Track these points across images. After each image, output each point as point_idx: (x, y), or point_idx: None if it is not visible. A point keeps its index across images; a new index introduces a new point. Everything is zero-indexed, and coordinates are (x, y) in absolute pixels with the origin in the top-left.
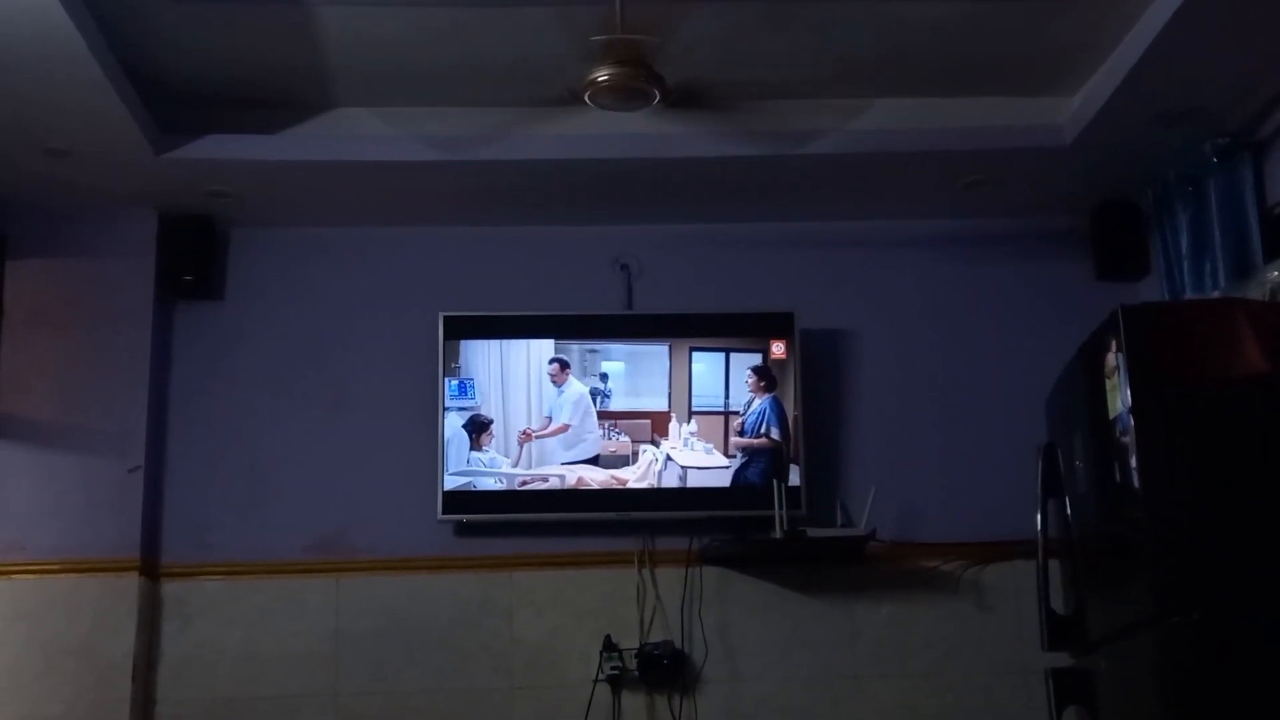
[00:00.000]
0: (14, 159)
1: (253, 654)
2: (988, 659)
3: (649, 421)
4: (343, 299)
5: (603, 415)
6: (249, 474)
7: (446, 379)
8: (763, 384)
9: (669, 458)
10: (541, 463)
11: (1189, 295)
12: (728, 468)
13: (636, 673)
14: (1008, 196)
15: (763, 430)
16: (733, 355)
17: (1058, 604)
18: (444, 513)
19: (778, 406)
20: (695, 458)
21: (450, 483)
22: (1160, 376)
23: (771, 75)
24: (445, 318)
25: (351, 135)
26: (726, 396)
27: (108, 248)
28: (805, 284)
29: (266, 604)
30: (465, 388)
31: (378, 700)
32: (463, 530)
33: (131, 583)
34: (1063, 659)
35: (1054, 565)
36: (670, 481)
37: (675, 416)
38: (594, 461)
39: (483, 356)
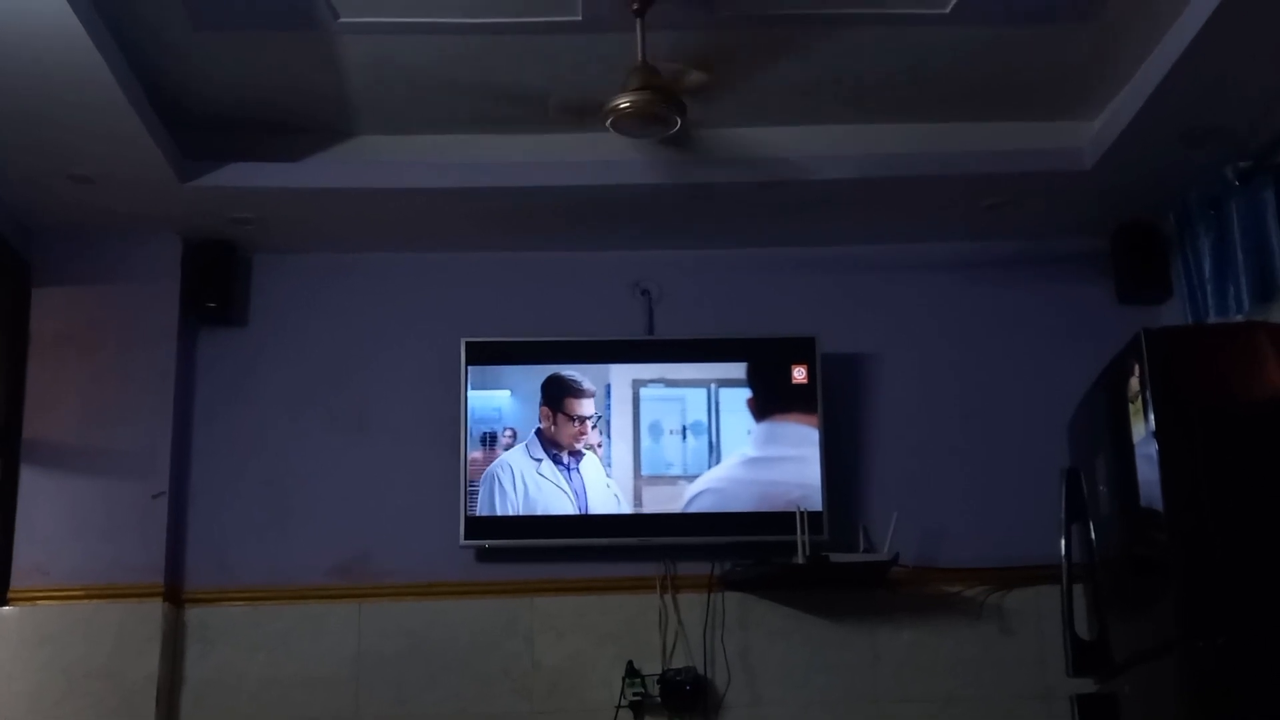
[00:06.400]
0: (39, 185)
1: (275, 678)
2: (1011, 684)
3: None
4: (365, 324)
5: None
6: (272, 499)
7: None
8: None
9: None
10: None
11: (1212, 319)
12: None
13: (658, 698)
14: (1029, 220)
15: None
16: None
17: (1082, 629)
18: (466, 538)
19: None
20: None
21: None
22: (1184, 400)
23: (792, 100)
24: (467, 343)
25: (374, 162)
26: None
27: (132, 273)
28: (826, 308)
29: (289, 628)
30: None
31: None
32: (484, 555)
33: (155, 607)
34: (1087, 684)
35: (1077, 590)
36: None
37: None
38: None
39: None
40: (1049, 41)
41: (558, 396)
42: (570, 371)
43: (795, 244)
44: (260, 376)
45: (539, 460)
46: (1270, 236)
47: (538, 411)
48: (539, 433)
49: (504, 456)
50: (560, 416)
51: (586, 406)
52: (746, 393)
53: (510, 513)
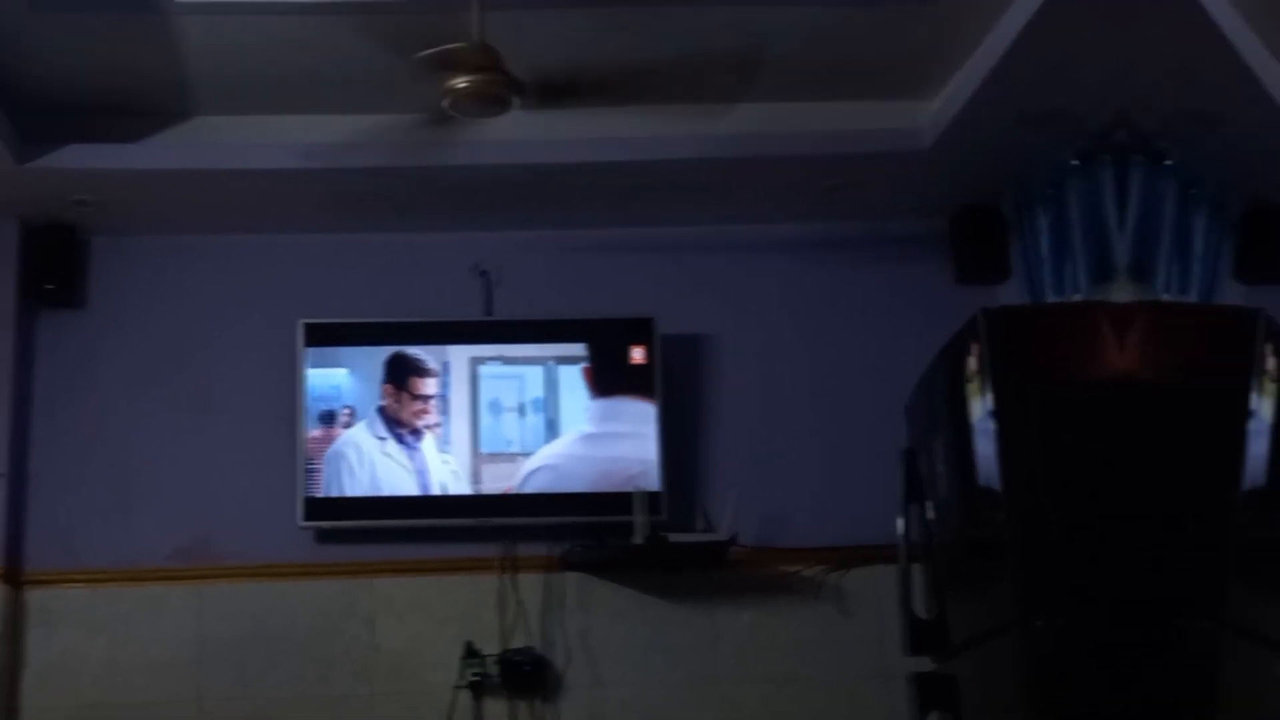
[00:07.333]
0: None
1: (116, 661)
2: (850, 664)
3: None
4: (205, 306)
5: None
6: (113, 481)
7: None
8: None
9: None
10: None
11: (1050, 299)
12: None
13: (498, 679)
14: (868, 200)
15: None
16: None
17: (920, 609)
18: (305, 519)
19: None
20: None
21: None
22: (1022, 379)
23: (630, 80)
24: (305, 324)
25: (213, 143)
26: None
27: None
28: (666, 289)
29: (130, 611)
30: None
31: (241, 706)
32: (324, 537)
33: None
34: (925, 664)
35: (917, 570)
36: None
37: None
38: None
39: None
40: (889, 21)
41: (402, 375)
42: (414, 350)
43: (636, 225)
44: (102, 359)
45: (383, 439)
46: (1108, 218)
47: (378, 390)
48: (381, 410)
49: (348, 434)
50: (404, 395)
51: (430, 385)
52: (584, 366)
53: (358, 492)
